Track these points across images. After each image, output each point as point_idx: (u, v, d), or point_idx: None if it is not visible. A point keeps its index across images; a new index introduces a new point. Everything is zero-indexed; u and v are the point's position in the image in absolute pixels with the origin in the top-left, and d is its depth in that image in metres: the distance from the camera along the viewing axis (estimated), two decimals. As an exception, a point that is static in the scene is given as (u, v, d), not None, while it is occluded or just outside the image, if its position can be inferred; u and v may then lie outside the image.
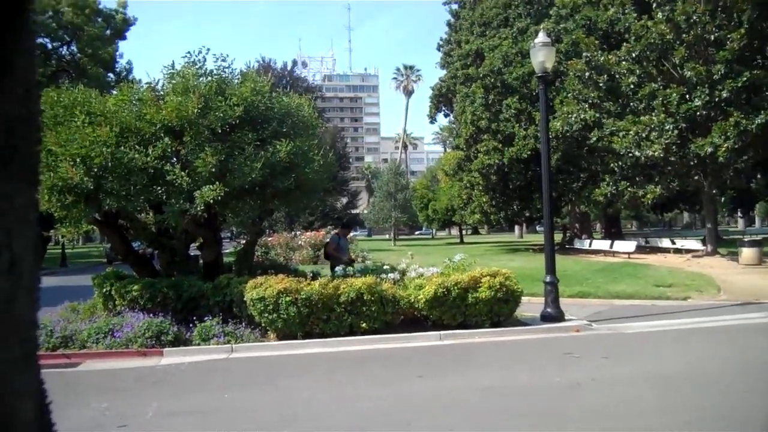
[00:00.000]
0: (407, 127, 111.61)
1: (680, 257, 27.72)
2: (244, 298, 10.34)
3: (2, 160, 0.56)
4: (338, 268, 11.81)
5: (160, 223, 11.40)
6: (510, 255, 33.81)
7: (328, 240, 13.59)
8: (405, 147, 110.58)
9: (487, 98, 34.40)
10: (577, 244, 36.74)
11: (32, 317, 0.62)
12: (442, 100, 46.35)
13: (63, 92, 11.33)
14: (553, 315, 11.59)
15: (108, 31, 40.57)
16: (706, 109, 23.46)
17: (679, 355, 8.89)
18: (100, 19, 39.79)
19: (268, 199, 12.15)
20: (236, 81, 12.23)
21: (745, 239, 25.18)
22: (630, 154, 25.31)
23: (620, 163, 26.60)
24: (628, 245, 31.27)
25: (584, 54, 27.41)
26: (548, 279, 11.94)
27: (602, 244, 33.46)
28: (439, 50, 48.76)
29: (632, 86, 25.88)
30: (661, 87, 24.92)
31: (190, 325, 10.44)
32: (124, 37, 42.52)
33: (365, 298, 10.16)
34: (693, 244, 31.02)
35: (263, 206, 12.37)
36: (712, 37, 23.35)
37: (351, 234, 24.60)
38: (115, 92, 14.56)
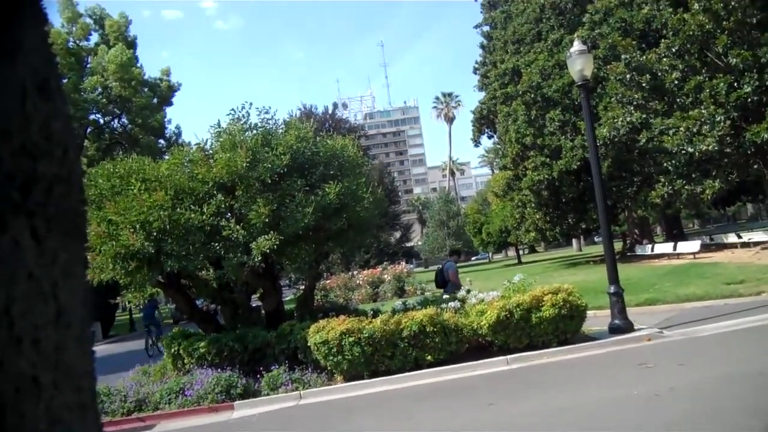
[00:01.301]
0: (452, 153, 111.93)
1: (748, 251, 26.60)
2: (308, 343, 10.42)
3: (45, 217, 0.61)
4: (462, 292, 11.91)
5: (221, 278, 11.65)
6: (570, 269, 33.10)
7: (446, 268, 13.46)
8: (452, 174, 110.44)
9: (529, 114, 34.14)
10: (639, 251, 35.69)
11: (86, 368, 0.66)
12: (484, 122, 46.23)
13: (118, 163, 11.84)
14: (621, 326, 11.24)
15: (155, 100, 42.28)
16: (757, 95, 22.64)
17: (758, 354, 8.48)
18: (146, 89, 41.54)
19: (322, 241, 12.31)
20: (280, 131, 12.56)
21: (818, 224, 23.98)
22: (683, 151, 24.59)
23: (674, 162, 25.84)
24: (692, 245, 30.19)
25: (623, 56, 26.98)
26: (612, 290, 11.63)
27: (665, 247, 32.43)
28: (475, 73, 48.83)
29: (677, 82, 25.25)
30: (706, 78, 24.24)
31: (258, 375, 10.56)
32: (170, 103, 44.25)
33: (428, 330, 10.10)
34: (760, 235, 29.78)
35: (318, 250, 12.53)
36: (755, 20, 22.61)
37: (407, 267, 24.61)
38: (167, 157, 15.13)
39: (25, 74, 0.61)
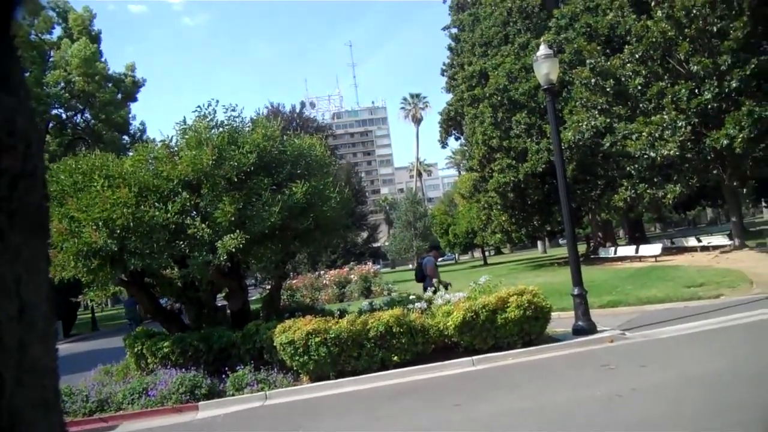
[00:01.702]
0: (419, 154, 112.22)
1: (708, 254, 27.26)
2: (274, 344, 10.35)
3: (8, 213, 0.60)
4: (435, 285, 12.20)
5: (185, 276, 11.50)
6: (535, 271, 33.52)
7: (424, 263, 13.75)
8: (419, 175, 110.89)
9: (496, 116, 34.48)
10: (602, 253, 36.33)
11: (49, 365, 0.65)
12: (451, 123, 46.50)
13: (81, 159, 11.62)
14: (584, 328, 11.42)
15: (119, 95, 41.59)
16: (717, 102, 23.26)
17: (717, 355, 8.71)
18: (110, 85, 40.83)
19: (289, 241, 12.24)
20: (247, 129, 12.45)
21: (773, 229, 24.70)
22: (645, 156, 25.13)
23: (636, 166, 26.39)
24: (653, 248, 30.86)
25: (588, 61, 27.45)
26: (576, 291, 11.80)
27: (627, 250, 33.07)
28: (443, 75, 49.10)
29: (640, 87, 25.80)
30: (668, 84, 24.81)
31: (223, 376, 10.45)
32: (135, 99, 43.60)
33: (394, 330, 10.11)
34: (719, 239, 30.56)
35: (285, 249, 12.45)
36: (715, 29, 23.21)
37: (374, 267, 24.56)
38: (131, 153, 14.88)
39: None
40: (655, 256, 29.23)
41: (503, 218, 37.49)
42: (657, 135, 24.42)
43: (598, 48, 27.80)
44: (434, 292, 11.88)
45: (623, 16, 28.27)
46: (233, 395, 10.02)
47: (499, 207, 37.11)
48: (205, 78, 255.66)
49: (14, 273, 0.60)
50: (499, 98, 34.43)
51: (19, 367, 0.59)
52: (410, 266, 67.19)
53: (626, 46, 26.50)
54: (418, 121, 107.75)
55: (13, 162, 0.62)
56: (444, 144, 49.72)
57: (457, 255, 79.32)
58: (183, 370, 10.44)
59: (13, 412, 0.57)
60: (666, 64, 25.41)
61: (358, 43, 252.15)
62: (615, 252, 34.38)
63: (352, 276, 30.16)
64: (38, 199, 0.67)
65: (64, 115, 40.72)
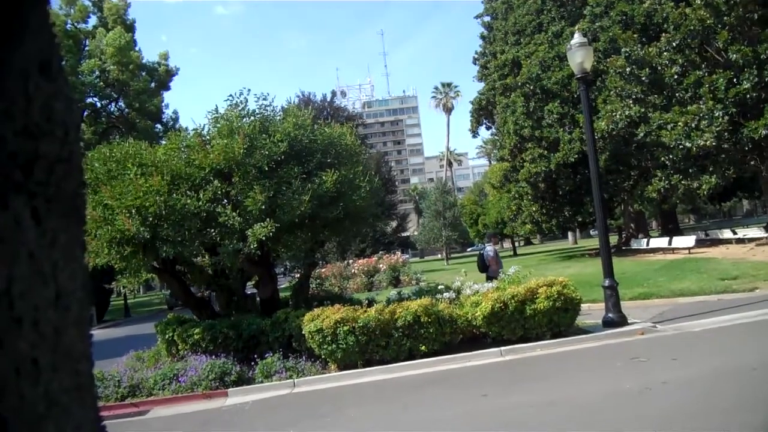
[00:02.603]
0: (450, 144, 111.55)
1: (743, 247, 26.67)
2: (303, 332, 10.43)
3: (45, 197, 0.61)
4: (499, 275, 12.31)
5: (216, 264, 11.64)
6: (565, 262, 33.19)
7: (485, 253, 13.85)
8: (450, 164, 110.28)
9: (528, 106, 34.09)
10: (634, 245, 35.79)
11: (84, 351, 0.66)
12: (482, 113, 46.13)
13: (114, 147, 11.79)
14: (615, 320, 11.29)
15: (152, 84, 42.10)
16: (756, 91, 22.64)
17: (750, 349, 8.52)
18: (144, 73, 41.34)
19: (319, 230, 12.30)
20: (278, 118, 12.51)
21: (812, 221, 24.04)
22: (680, 146, 24.59)
23: (671, 157, 25.84)
24: (687, 240, 30.29)
25: (623, 50, 26.93)
26: (607, 283, 11.66)
27: (660, 242, 32.52)
28: (475, 64, 48.67)
29: (676, 76, 25.22)
30: (706, 74, 24.22)
31: (252, 363, 10.59)
32: (168, 88, 44.09)
33: (422, 320, 10.12)
34: (755, 232, 29.87)
35: (314, 238, 12.52)
36: (756, 16, 22.57)
37: (403, 257, 24.46)
38: (163, 142, 15.07)
39: (28, 55, 0.61)
40: (689, 248, 28.69)
41: (534, 208, 37.12)
42: (693, 125, 23.88)
43: (634, 36, 27.23)
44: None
45: (660, 4, 27.61)
46: (262, 382, 10.14)
47: (529, 197, 36.76)
48: (237, 67, 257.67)
49: (51, 259, 0.61)
50: (531, 87, 34.02)
51: (54, 353, 0.60)
52: (439, 256, 67.04)
53: (663, 35, 25.90)
54: (449, 110, 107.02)
55: (50, 148, 0.63)
56: (475, 133, 49.35)
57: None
58: (213, 356, 10.60)
59: (50, 397, 0.59)
60: (704, 53, 24.79)
61: (390, 31, 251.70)
62: (647, 243, 33.85)
63: (380, 265, 30.23)
64: (75, 185, 0.68)
65: (98, 104, 41.39)
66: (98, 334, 22.87)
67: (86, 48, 39.96)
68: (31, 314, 0.56)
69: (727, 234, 32.34)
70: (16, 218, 0.56)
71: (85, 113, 39.97)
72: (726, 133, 23.41)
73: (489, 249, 14.07)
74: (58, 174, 0.64)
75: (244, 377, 10.30)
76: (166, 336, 11.90)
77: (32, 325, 0.57)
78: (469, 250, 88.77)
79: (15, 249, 0.55)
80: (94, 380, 0.70)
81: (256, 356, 10.68)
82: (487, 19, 46.80)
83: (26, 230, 0.57)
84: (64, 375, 0.62)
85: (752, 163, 25.55)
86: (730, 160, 25.33)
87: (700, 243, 30.73)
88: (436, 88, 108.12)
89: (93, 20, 41.26)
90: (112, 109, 42.67)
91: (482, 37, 47.44)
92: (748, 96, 22.77)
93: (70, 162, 0.67)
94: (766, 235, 27.57)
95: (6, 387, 0.53)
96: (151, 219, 10.36)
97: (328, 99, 64.00)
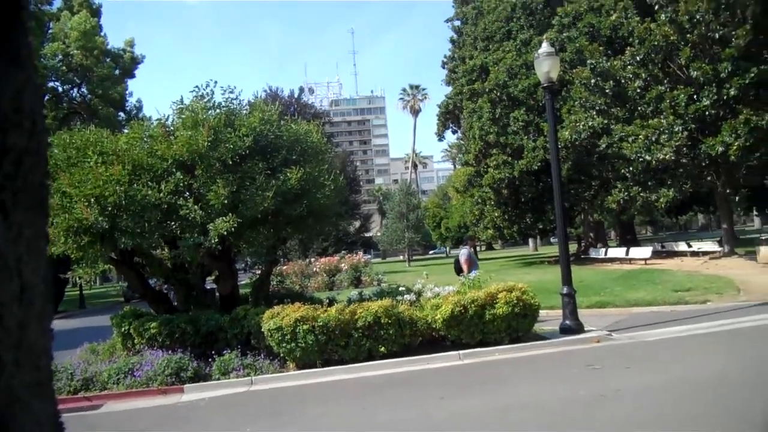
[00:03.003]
0: (416, 146, 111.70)
1: (697, 260, 27.42)
2: (262, 329, 10.34)
3: (12, 190, 0.58)
4: (473, 273, 12.38)
5: (176, 258, 11.45)
6: (525, 268, 33.64)
7: (459, 255, 13.95)
8: (415, 166, 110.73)
9: (494, 112, 34.45)
10: (593, 254, 36.49)
11: (45, 346, 0.64)
12: (449, 117, 46.47)
13: (75, 134, 11.51)
14: (572, 327, 11.48)
15: (117, 71, 41.28)
16: (714, 109, 23.32)
17: (702, 361, 8.76)
18: (108, 60, 40.51)
19: (281, 227, 12.22)
20: (245, 112, 12.40)
21: (763, 237, 24.82)
22: (641, 159, 25.17)
23: (631, 169, 26.42)
24: (644, 251, 31.02)
25: (589, 61, 27.43)
26: (565, 290, 11.84)
27: (618, 252, 33.23)
28: (443, 67, 49.02)
29: (639, 90, 25.81)
30: (668, 89, 24.84)
31: (210, 359, 10.44)
32: (132, 76, 43.28)
33: (382, 321, 10.12)
34: (710, 245, 30.71)
35: (276, 235, 12.43)
36: (717, 35, 23.22)
37: (365, 257, 24.58)
38: (126, 131, 14.78)
39: None
40: (645, 259, 29.38)
41: (496, 214, 37.53)
42: (653, 139, 24.46)
43: (600, 48, 27.77)
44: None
45: (627, 18, 28.23)
46: (219, 379, 10.01)
47: (492, 203, 37.15)
48: (205, 58, 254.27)
49: (16, 253, 0.58)
50: (498, 94, 34.39)
51: (17, 349, 0.58)
52: (401, 257, 67.25)
53: (628, 48, 26.48)
54: (416, 112, 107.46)
55: (18, 139, 0.60)
56: (441, 137, 49.80)
57: (448, 248, 79.42)
58: (170, 351, 10.43)
59: (11, 394, 0.56)
60: (666, 69, 25.42)
61: (361, 30, 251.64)
62: (605, 253, 34.54)
63: (342, 265, 30.20)
64: (41, 177, 0.65)
65: (60, 89, 40.40)
66: (52, 325, 22.26)
67: (50, 31, 38.98)
68: None
69: (682, 246, 33.19)
70: None
71: (46, 98, 38.97)
72: (684, 148, 24.04)
73: (464, 251, 14.15)
74: (26, 166, 0.61)
75: (201, 374, 10.16)
76: (122, 329, 11.65)
77: None
78: (431, 252, 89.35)
79: None
80: (53, 376, 0.68)
81: (213, 353, 10.54)
82: (457, 23, 47.20)
83: None
84: (26, 371, 0.60)
85: (709, 178, 26.29)
86: (687, 174, 26.01)
87: (656, 254, 31.48)
88: (404, 89, 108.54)
89: (58, 2, 40.35)
90: (74, 95, 41.70)
91: (452, 41, 47.82)
92: (707, 113, 23.43)
93: (37, 154, 0.64)
94: (719, 249, 28.36)
95: None
96: (110, 209, 10.14)
97: (296, 95, 63.63)
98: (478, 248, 64.31)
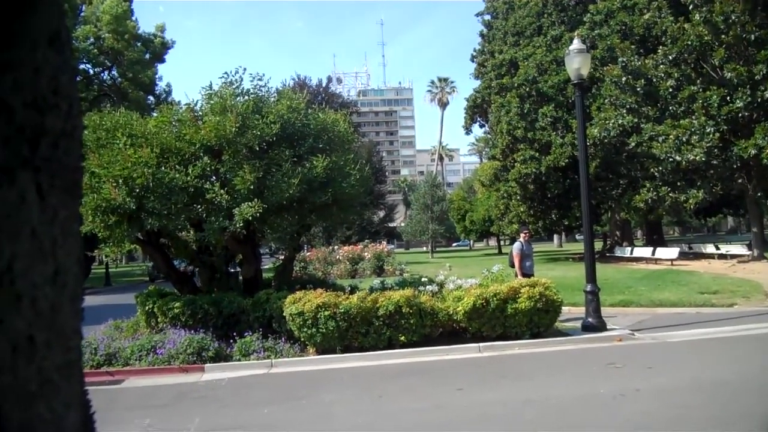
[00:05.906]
0: (443, 139, 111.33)
1: (725, 263, 26.94)
2: (283, 313, 10.43)
3: (48, 172, 0.60)
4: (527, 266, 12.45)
5: (201, 240, 11.59)
6: (549, 264, 33.37)
7: (513, 250, 13.42)
8: (441, 159, 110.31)
9: (523, 107, 34.13)
10: (618, 252, 36.05)
11: (76, 327, 0.65)
12: (477, 110, 46.09)
13: (105, 116, 11.66)
14: (594, 325, 11.39)
15: (147, 55, 41.67)
16: (748, 111, 22.87)
17: (725, 364, 8.64)
18: (139, 44, 40.91)
19: (306, 214, 12.27)
20: (272, 99, 12.45)
21: (793, 242, 24.32)
22: (670, 159, 24.78)
23: (660, 169, 26.03)
24: (670, 252, 30.56)
25: (620, 59, 27.04)
26: (589, 288, 11.75)
27: (644, 252, 32.80)
28: (472, 61, 48.59)
29: (671, 90, 25.38)
30: (700, 89, 24.39)
31: (231, 341, 10.58)
32: (163, 60, 43.67)
33: (404, 311, 10.15)
34: (738, 249, 30.16)
35: (301, 222, 12.50)
36: (753, 37, 22.76)
37: (388, 247, 24.32)
38: (155, 114, 14.93)
39: (38, 25, 0.60)
40: (672, 260, 28.95)
41: (522, 209, 37.25)
42: (684, 139, 24.06)
43: (632, 47, 27.35)
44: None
45: (660, 17, 27.72)
46: (239, 360, 10.15)
47: (518, 197, 36.87)
48: (235, 45, 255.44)
49: (51, 235, 0.60)
50: (527, 89, 34.07)
51: (49, 330, 0.59)
52: (424, 249, 67.16)
53: (660, 47, 26.04)
54: (443, 105, 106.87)
55: (55, 121, 0.62)
56: (468, 130, 49.35)
57: (471, 242, 79.11)
58: (192, 331, 10.60)
59: (43, 375, 0.58)
60: (699, 69, 24.96)
61: (390, 22, 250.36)
62: (631, 252, 34.11)
63: (365, 253, 30.26)
64: (75, 160, 0.67)
65: (91, 71, 40.90)
66: (76, 301, 22.66)
67: (82, 14, 39.43)
68: (30, 292, 0.56)
69: (710, 249, 32.65)
70: (22, 194, 0.55)
71: (78, 79, 39.45)
72: (716, 150, 23.61)
73: (516, 245, 13.68)
74: (62, 149, 0.63)
75: (222, 354, 10.30)
76: (146, 308, 11.85)
77: (30, 303, 0.56)
78: (454, 245, 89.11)
79: (19, 225, 0.55)
80: (82, 355, 0.70)
81: (235, 334, 10.67)
82: (487, 17, 46.71)
83: (30, 206, 0.56)
84: (57, 352, 0.61)
85: (740, 181, 25.81)
86: (718, 176, 25.56)
87: (683, 255, 31.02)
88: (433, 82, 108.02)
89: (90, -15, 40.69)
90: (104, 78, 42.21)
91: (482, 35, 47.36)
92: (740, 115, 22.98)
93: (72, 136, 0.66)
94: (748, 252, 27.86)
95: (2, 365, 0.53)
96: (137, 190, 10.28)
97: (324, 84, 63.58)
98: (501, 242, 63.92)
